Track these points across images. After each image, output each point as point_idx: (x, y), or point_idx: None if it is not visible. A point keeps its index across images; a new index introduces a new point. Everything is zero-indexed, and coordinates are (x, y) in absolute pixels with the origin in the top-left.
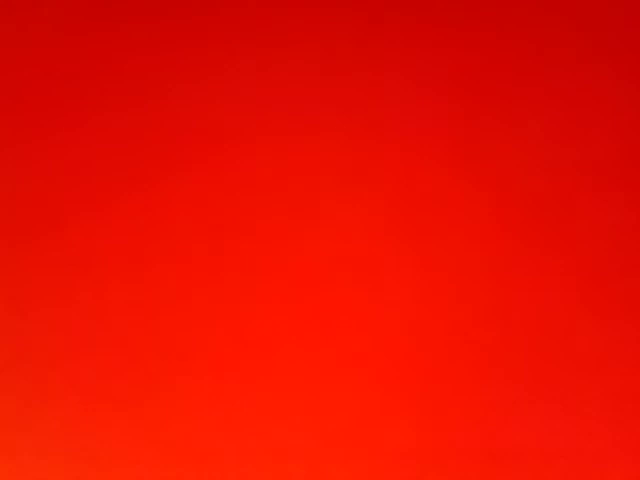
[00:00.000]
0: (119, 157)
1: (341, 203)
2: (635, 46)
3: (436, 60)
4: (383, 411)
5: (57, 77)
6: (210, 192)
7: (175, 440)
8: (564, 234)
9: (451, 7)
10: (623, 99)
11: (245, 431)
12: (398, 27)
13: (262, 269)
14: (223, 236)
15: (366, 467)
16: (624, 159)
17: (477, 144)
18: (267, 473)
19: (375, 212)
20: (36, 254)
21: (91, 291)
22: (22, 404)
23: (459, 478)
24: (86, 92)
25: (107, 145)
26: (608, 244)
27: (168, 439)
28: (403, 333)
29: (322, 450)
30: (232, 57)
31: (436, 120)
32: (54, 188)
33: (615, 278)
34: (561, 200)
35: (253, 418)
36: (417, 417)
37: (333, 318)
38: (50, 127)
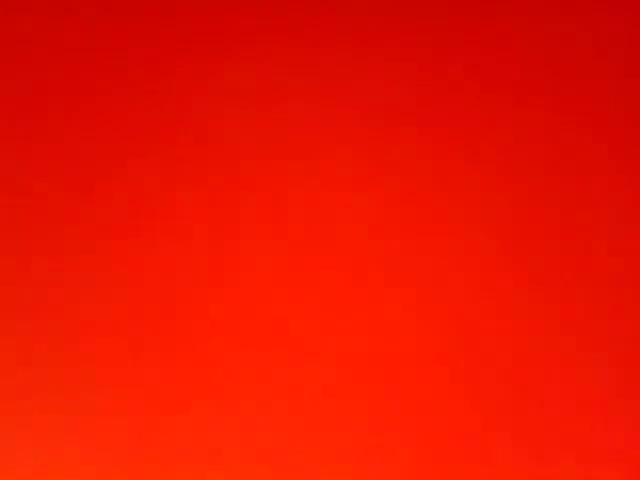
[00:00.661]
0: (118, 155)
1: (346, 199)
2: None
3: (446, 56)
4: (383, 409)
5: (57, 76)
6: (214, 187)
7: (173, 436)
8: (568, 233)
9: (461, 6)
10: (631, 97)
11: (245, 430)
12: (410, 24)
13: (264, 266)
14: (225, 233)
15: (363, 464)
16: (630, 160)
17: (485, 142)
18: (267, 471)
19: (380, 210)
20: (38, 240)
21: (94, 275)
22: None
23: (460, 475)
24: (88, 90)
25: (106, 143)
26: (611, 245)
27: (167, 437)
28: (405, 332)
29: (320, 448)
30: (233, 55)
31: (442, 119)
32: (55, 183)
33: (624, 285)
34: (567, 200)
35: (252, 417)
36: (418, 415)
37: (334, 313)
38: (56, 121)
